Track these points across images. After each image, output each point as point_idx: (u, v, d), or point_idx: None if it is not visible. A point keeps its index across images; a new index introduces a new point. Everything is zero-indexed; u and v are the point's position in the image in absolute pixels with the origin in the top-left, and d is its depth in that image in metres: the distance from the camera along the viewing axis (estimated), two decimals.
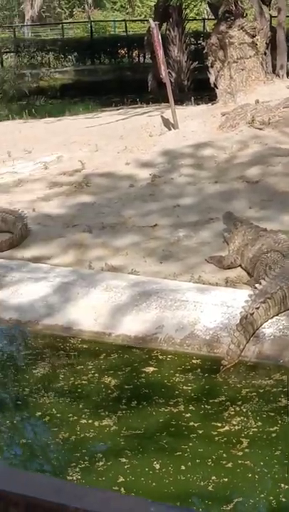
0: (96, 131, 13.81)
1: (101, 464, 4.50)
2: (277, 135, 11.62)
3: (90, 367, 5.77)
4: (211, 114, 13.40)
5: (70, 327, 6.40)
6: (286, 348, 5.70)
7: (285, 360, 5.64)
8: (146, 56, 26.54)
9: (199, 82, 18.08)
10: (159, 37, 13.11)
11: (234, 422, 4.87)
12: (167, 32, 20.42)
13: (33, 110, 18.28)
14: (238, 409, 5.03)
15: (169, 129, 12.96)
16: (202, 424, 4.86)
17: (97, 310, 6.40)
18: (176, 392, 5.31)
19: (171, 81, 14.47)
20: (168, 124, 13.13)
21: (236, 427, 4.81)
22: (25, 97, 22.19)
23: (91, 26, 33.21)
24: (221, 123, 12.57)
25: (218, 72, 14.30)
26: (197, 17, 34.32)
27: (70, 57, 29.26)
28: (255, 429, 4.78)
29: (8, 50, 29.24)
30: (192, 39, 25.77)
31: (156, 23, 13.82)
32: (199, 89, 17.82)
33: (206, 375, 5.53)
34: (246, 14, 14.83)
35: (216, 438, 4.71)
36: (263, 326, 5.86)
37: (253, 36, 14.25)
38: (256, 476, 4.35)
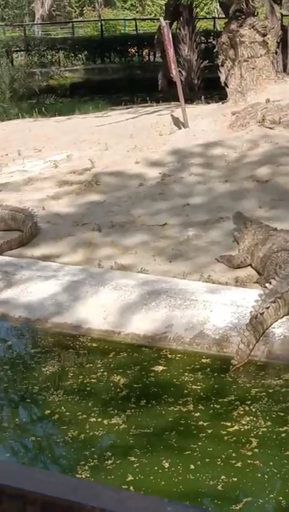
0: (106, 129, 13.81)
1: (110, 462, 4.50)
2: (288, 134, 11.59)
3: (99, 365, 5.76)
4: (222, 113, 13.37)
5: (79, 325, 6.40)
6: None
7: None
8: (157, 55, 26.54)
9: (209, 80, 18.04)
10: (170, 36, 13.09)
11: (243, 422, 4.85)
12: (178, 31, 20.40)
13: (43, 109, 18.30)
14: (247, 408, 5.02)
15: (179, 128, 12.94)
16: (211, 424, 4.85)
17: (106, 308, 6.40)
18: (186, 391, 5.30)
19: (181, 80, 14.44)
20: (178, 123, 13.12)
21: (246, 427, 4.79)
22: (35, 96, 22.21)
23: (101, 25, 33.26)
24: (232, 122, 12.55)
25: (229, 71, 14.27)
26: (207, 16, 34.32)
27: (80, 55, 29.32)
28: (265, 429, 4.77)
29: (18, 48, 29.30)
30: (202, 38, 25.75)
31: (167, 21, 13.80)
32: (209, 88, 17.79)
33: (216, 374, 5.52)
34: (257, 13, 14.79)
35: (226, 437, 4.70)
36: (272, 326, 5.85)
37: (264, 35, 14.21)
38: (265, 476, 4.34)
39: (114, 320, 6.30)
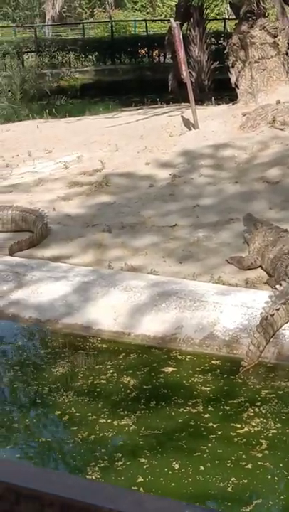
0: (116, 131, 13.82)
1: (120, 463, 4.51)
2: None
3: (109, 366, 5.77)
4: (232, 115, 13.35)
5: (89, 326, 6.41)
6: None
7: None
8: (167, 56, 26.51)
9: (220, 82, 18.03)
10: (181, 37, 13.08)
11: (253, 424, 4.85)
12: (188, 32, 20.39)
13: (54, 110, 18.32)
14: (257, 410, 5.02)
15: (190, 129, 12.93)
16: (221, 425, 4.85)
17: (116, 310, 6.41)
18: (195, 392, 5.30)
19: (191, 81, 14.44)
20: (188, 124, 13.11)
21: (256, 428, 4.79)
22: (45, 97, 22.26)
23: (112, 26, 33.25)
24: (242, 123, 12.53)
25: (239, 72, 14.24)
26: (218, 17, 34.28)
27: (90, 57, 29.34)
28: (275, 431, 4.76)
29: (29, 49, 29.36)
30: (213, 39, 25.70)
31: (178, 22, 13.79)
32: (220, 90, 17.77)
33: (225, 375, 5.52)
34: (268, 14, 14.77)
35: (235, 439, 4.70)
36: (283, 328, 5.84)
37: (275, 36, 14.18)
38: (276, 478, 4.34)
39: (124, 321, 6.30)
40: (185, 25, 19.89)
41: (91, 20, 43.40)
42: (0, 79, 21.78)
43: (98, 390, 5.44)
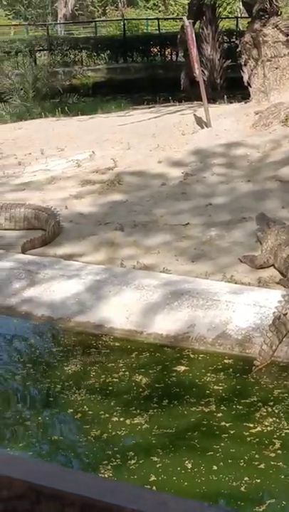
0: (128, 129, 13.81)
1: (133, 462, 4.50)
2: None
3: (121, 365, 5.77)
4: (244, 113, 13.32)
5: (101, 325, 6.41)
6: None
7: None
8: (179, 54, 26.47)
9: (232, 80, 17.99)
10: (193, 35, 13.06)
11: (266, 423, 4.84)
12: (200, 30, 20.34)
13: (66, 108, 18.34)
14: (270, 409, 5.00)
15: (202, 128, 12.91)
16: (234, 425, 4.84)
17: (128, 308, 6.41)
18: (208, 391, 5.29)
19: (204, 79, 14.40)
20: (200, 123, 13.09)
21: (268, 428, 4.78)
22: (58, 95, 22.26)
23: (124, 24, 33.24)
24: (254, 122, 12.50)
25: (252, 70, 14.20)
26: (230, 15, 34.17)
27: (102, 55, 29.35)
28: (288, 431, 4.75)
29: (41, 48, 29.41)
30: (225, 37, 25.64)
31: (190, 21, 13.76)
32: (232, 88, 17.72)
33: (238, 375, 5.51)
34: (281, 12, 14.70)
35: (248, 438, 4.69)
36: None
37: (288, 35, 14.12)
38: None
39: (136, 319, 6.30)
40: (197, 23, 19.84)
41: (103, 18, 43.42)
42: (13, 77, 21.79)
43: (110, 388, 5.44)
